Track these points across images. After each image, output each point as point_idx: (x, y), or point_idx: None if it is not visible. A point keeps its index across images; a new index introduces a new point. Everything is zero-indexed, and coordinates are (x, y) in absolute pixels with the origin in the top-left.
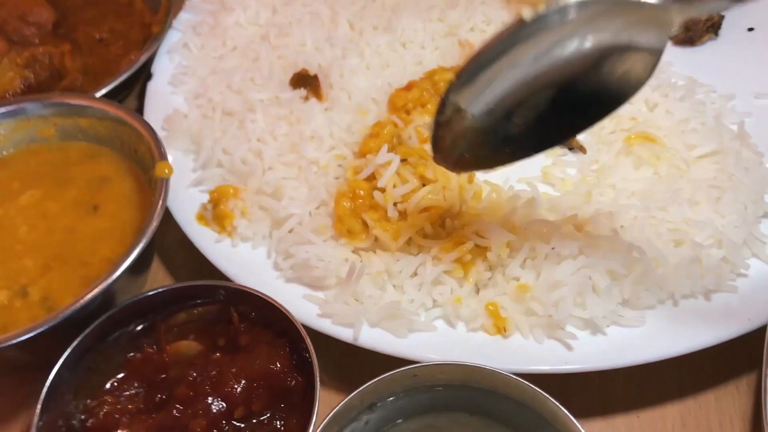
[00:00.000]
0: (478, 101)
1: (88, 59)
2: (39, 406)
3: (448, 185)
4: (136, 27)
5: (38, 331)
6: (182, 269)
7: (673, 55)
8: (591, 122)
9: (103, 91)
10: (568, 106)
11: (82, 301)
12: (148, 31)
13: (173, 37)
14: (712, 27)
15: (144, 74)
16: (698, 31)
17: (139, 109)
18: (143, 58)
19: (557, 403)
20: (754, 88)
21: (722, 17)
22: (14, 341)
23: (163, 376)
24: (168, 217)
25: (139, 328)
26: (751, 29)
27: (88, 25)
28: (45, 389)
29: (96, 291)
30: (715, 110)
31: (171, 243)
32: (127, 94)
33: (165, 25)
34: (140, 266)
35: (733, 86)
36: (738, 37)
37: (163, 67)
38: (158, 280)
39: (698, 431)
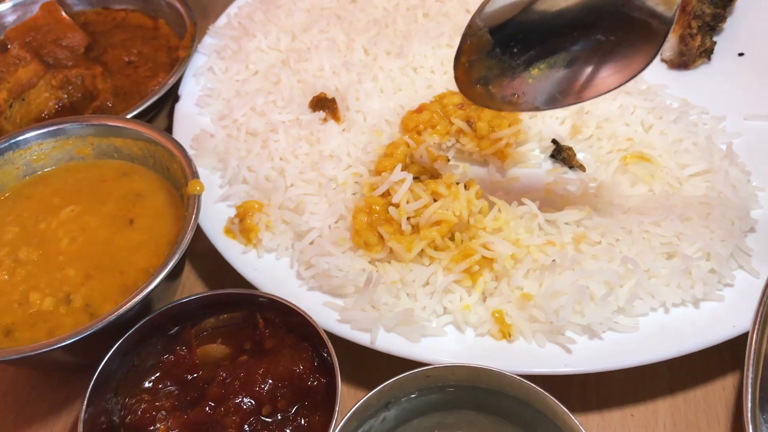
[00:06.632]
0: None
1: (117, 81)
2: (85, 402)
3: (458, 200)
4: (162, 50)
5: (84, 334)
6: (210, 276)
7: (668, 78)
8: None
9: (136, 112)
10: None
11: (124, 308)
12: (173, 54)
13: (198, 60)
14: (705, 52)
15: (172, 95)
16: (692, 56)
17: (168, 129)
18: (172, 81)
19: (557, 401)
20: (744, 110)
21: (714, 43)
22: (63, 344)
23: (194, 376)
24: (197, 229)
25: (172, 331)
26: (741, 54)
27: (118, 48)
28: (90, 387)
29: (137, 298)
30: (706, 131)
31: (200, 252)
32: (157, 114)
33: (191, 49)
34: (174, 274)
35: (724, 108)
36: (729, 62)
37: (190, 89)
38: (188, 284)
39: (688, 428)
